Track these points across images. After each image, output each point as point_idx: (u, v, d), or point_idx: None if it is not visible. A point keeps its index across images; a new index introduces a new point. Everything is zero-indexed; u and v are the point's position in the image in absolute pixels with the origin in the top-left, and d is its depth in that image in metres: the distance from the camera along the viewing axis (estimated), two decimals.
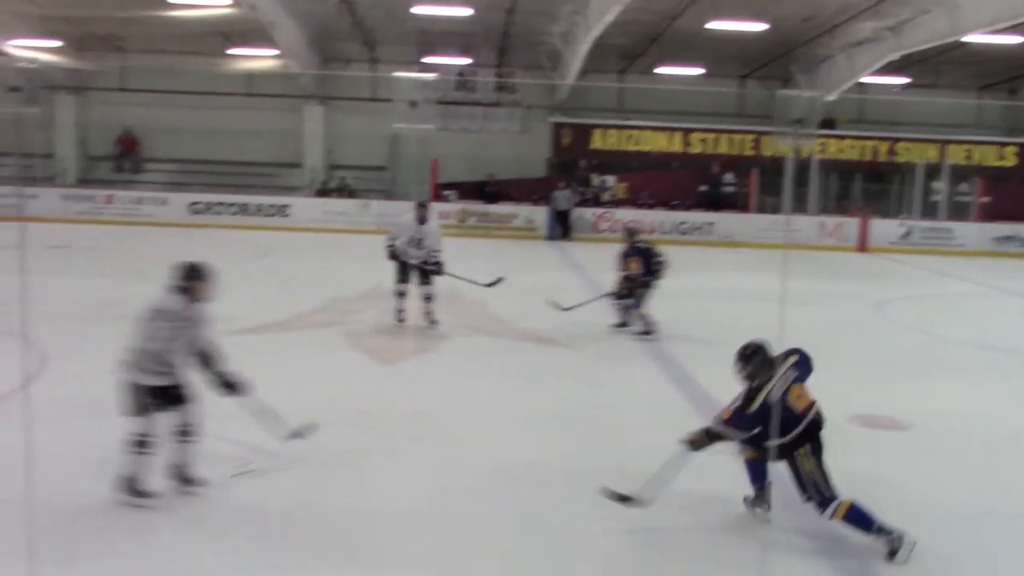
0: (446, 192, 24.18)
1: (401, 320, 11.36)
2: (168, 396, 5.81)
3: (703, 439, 5.70)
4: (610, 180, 25.30)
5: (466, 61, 26.06)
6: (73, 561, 5.19)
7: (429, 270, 11.25)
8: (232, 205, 23.54)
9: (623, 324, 11.59)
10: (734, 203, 24.92)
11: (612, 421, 8.07)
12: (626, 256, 11.44)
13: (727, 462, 6.08)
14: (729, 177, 25.20)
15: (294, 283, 14.65)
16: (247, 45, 24.16)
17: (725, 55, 24.92)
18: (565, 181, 24.06)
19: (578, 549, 5.54)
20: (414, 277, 11.30)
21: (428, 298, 11.27)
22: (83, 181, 25.48)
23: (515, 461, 6.91)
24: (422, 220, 11.33)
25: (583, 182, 25.01)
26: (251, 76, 25.89)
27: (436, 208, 22.70)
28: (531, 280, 15.05)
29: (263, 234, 21.77)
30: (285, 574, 5.12)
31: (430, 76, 25.39)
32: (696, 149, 25.78)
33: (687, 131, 25.75)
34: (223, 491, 6.11)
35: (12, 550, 4.84)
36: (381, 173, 26.12)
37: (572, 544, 5.59)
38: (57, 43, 24.27)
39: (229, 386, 6.07)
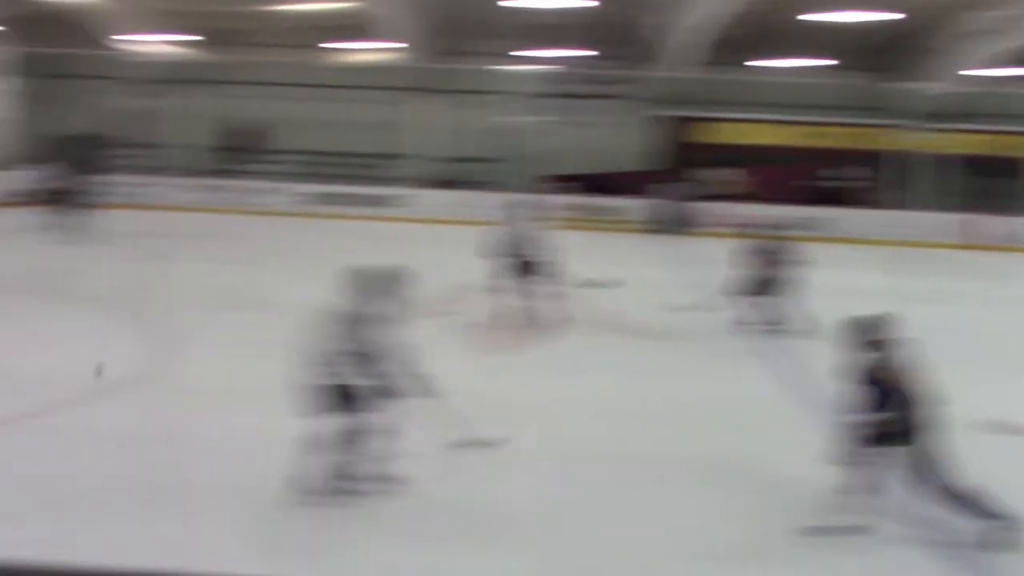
0: (555, 185, 24.17)
1: (510, 316, 11.41)
2: (348, 396, 5.81)
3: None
4: (723, 174, 24.91)
5: (572, 53, 25.97)
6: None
7: (534, 270, 11.25)
8: (344, 196, 24.00)
9: (751, 321, 11.37)
10: (853, 198, 24.22)
11: (727, 417, 8.01)
12: (753, 253, 11.26)
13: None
14: (848, 172, 24.51)
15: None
16: (362, 38, 24.59)
17: (842, 46, 24.25)
18: (677, 174, 23.79)
19: (694, 539, 5.54)
20: (522, 274, 11.31)
21: (538, 295, 11.27)
22: (206, 171, 26.33)
23: (633, 454, 6.93)
24: (526, 218, 11.30)
25: (695, 176, 24.68)
26: (365, 68, 26.33)
27: (545, 201, 22.72)
28: (643, 275, 14.96)
29: (374, 224, 22.16)
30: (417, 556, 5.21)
31: (539, 68, 25.40)
32: (812, 142, 25.14)
33: (803, 124, 25.13)
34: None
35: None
36: (489, 165, 26.27)
37: (689, 534, 5.59)
38: (188, 38, 25.12)
39: (406, 388, 6.00)
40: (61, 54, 25.16)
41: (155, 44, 25.13)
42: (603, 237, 21.66)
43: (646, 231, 22.88)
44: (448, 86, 26.51)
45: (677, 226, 22.83)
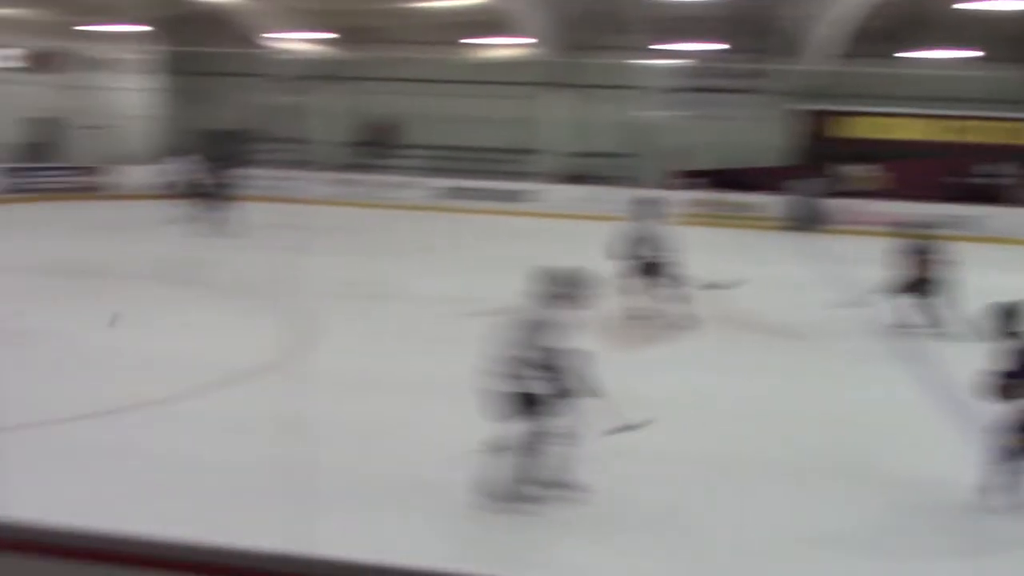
0: (688, 180, 23.85)
1: (639, 314, 11.29)
2: (533, 402, 5.78)
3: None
4: (861, 170, 24.09)
5: (707, 47, 25.54)
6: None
7: (661, 268, 11.08)
8: (476, 190, 24.29)
9: (902, 322, 10.96)
10: (1004, 196, 23.07)
11: (864, 420, 7.75)
12: (905, 252, 10.86)
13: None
14: (999, 168, 23.35)
15: (535, 268, 14.89)
16: (495, 34, 24.78)
17: (992, 37, 23.09)
18: (814, 170, 23.14)
19: (838, 542, 5.40)
20: (649, 273, 11.14)
21: (665, 293, 11.12)
22: (342, 166, 27.02)
23: (751, 455, 6.79)
24: (651, 216, 11.12)
25: (833, 171, 23.95)
26: (497, 63, 26.52)
27: (675, 197, 22.46)
28: (777, 273, 14.61)
29: (506, 219, 22.30)
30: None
31: (673, 62, 25.08)
32: (958, 137, 24.05)
33: (948, 118, 24.07)
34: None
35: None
36: (622, 160, 26.10)
37: (834, 538, 5.45)
38: (325, 35, 25.82)
39: (580, 390, 5.95)
40: (206, 52, 26.21)
41: (297, 42, 25.89)
42: (736, 234, 21.27)
43: (780, 228, 22.34)
44: (580, 81, 26.46)
45: (812, 223, 22.22)
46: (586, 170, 25.68)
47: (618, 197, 22.54)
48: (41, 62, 25.32)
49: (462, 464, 6.12)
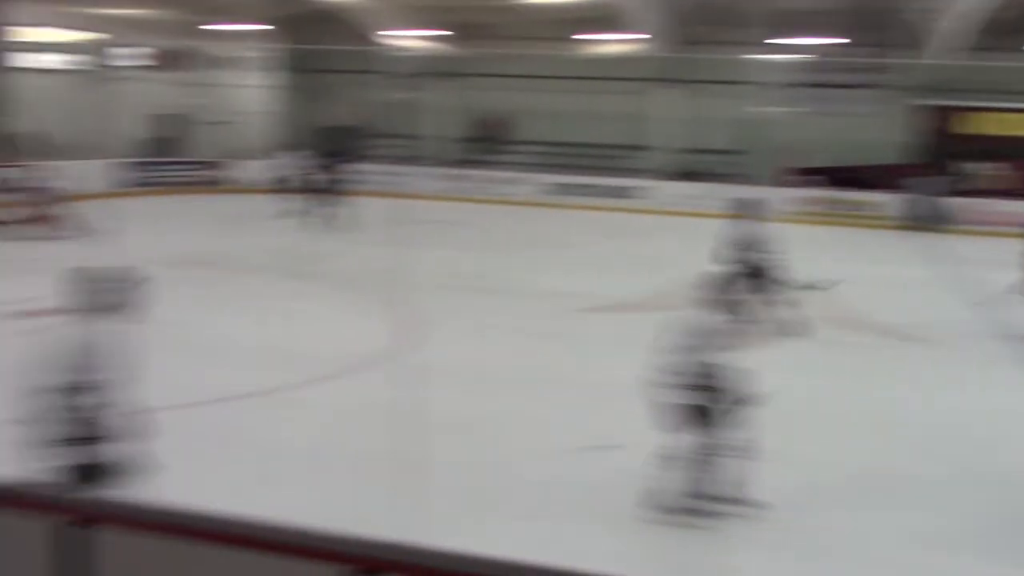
0: (803, 178, 23.29)
1: (747, 315, 10.92)
2: (702, 414, 5.63)
3: None
4: (988, 167, 23.14)
5: (826, 41, 24.86)
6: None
7: (769, 269, 10.76)
8: (586, 186, 24.25)
9: None
10: None
11: (986, 429, 7.45)
12: None
13: None
14: None
15: (645, 264, 14.79)
16: (607, 30, 24.65)
17: None
18: (935, 167, 22.32)
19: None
20: (757, 273, 10.79)
21: (775, 294, 10.78)
22: (453, 161, 27.28)
23: (857, 465, 6.61)
24: (756, 216, 10.75)
25: (956, 169, 23.06)
26: (608, 59, 26.37)
27: (791, 194, 21.97)
28: (895, 274, 14.16)
29: (615, 215, 22.18)
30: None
31: (790, 57, 24.52)
32: None
33: None
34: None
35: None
36: (735, 157, 25.66)
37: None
38: (439, 32, 26.10)
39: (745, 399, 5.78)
40: (323, 50, 26.79)
41: (411, 39, 26.24)
42: (851, 233, 20.68)
43: (899, 227, 21.62)
44: (693, 76, 26.10)
45: (933, 222, 21.42)
46: (698, 167, 25.33)
47: (730, 194, 22.23)
48: (168, 60, 26.30)
49: (594, 464, 6.11)
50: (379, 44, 26.30)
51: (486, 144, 27.82)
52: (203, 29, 25.77)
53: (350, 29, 26.36)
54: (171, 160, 24.69)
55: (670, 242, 18.22)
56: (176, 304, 10.94)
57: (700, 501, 5.70)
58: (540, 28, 25.45)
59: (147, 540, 3.44)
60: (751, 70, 23.83)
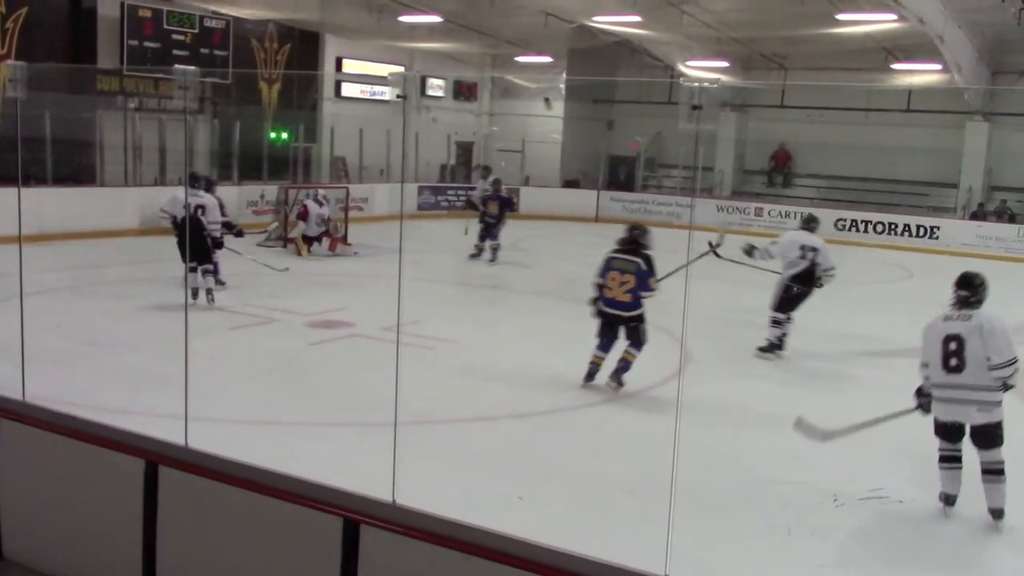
0: None
1: None
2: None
3: None
4: None
5: None
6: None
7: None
8: (878, 224, 23.16)
9: None
10: None
11: None
12: None
13: None
14: None
15: (936, 309, 13.83)
16: (910, 60, 23.42)
17: None
18: None
19: None
20: None
21: None
22: (737, 193, 26.89)
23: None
24: None
25: None
26: (911, 92, 25.01)
27: None
28: None
29: (909, 255, 21.01)
30: None
31: None
32: None
33: None
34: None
35: None
36: None
37: None
38: (725, 63, 25.92)
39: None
40: (613, 81, 27.34)
41: (703, 70, 26.21)
42: None
43: None
44: (1006, 108, 24.24)
45: None
46: (1004, 206, 23.47)
47: None
48: (466, 90, 27.84)
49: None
50: (670, 75, 26.41)
51: (774, 176, 27.32)
52: (505, 60, 27.20)
53: (639, 61, 26.73)
54: (464, 185, 26.02)
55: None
56: (450, 322, 11.55)
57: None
58: (836, 58, 24.57)
59: (396, 539, 3.78)
60: None
